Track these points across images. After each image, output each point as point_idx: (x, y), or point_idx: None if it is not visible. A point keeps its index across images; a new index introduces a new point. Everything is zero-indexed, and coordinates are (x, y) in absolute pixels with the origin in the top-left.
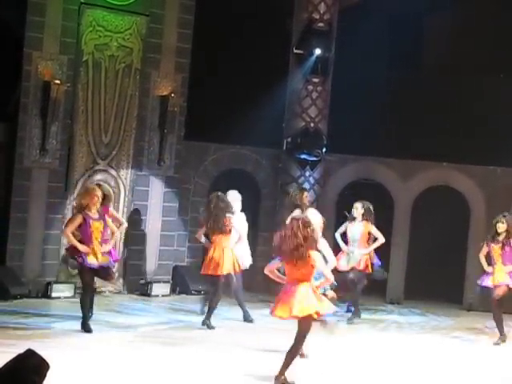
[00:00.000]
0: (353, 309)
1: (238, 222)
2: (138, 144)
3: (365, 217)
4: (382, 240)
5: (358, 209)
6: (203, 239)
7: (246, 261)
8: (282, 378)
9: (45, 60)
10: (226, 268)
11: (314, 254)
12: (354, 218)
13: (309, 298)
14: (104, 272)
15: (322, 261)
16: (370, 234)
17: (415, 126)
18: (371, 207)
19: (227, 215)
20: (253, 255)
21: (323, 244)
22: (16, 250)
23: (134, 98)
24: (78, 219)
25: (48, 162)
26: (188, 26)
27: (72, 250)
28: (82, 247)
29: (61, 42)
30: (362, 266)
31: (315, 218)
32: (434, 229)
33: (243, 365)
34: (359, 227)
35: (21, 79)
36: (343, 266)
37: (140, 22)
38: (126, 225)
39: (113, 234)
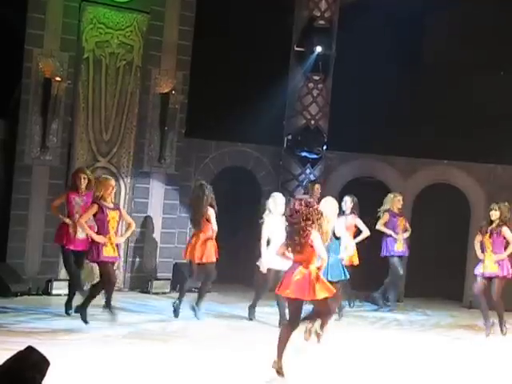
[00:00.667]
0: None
1: (274, 225)
2: (138, 141)
3: (353, 210)
4: (366, 233)
5: (347, 202)
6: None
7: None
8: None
9: (45, 57)
10: (197, 256)
11: (313, 233)
12: (342, 212)
13: (301, 281)
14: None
15: (321, 243)
16: (356, 227)
17: (416, 123)
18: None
19: (207, 206)
20: (254, 253)
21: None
22: (16, 248)
23: (135, 95)
24: (94, 208)
25: (48, 159)
26: (189, 23)
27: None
28: (98, 238)
29: (61, 39)
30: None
31: (328, 205)
32: (434, 226)
33: (244, 362)
34: (348, 220)
35: (21, 76)
36: None
37: (141, 19)
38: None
39: (129, 225)
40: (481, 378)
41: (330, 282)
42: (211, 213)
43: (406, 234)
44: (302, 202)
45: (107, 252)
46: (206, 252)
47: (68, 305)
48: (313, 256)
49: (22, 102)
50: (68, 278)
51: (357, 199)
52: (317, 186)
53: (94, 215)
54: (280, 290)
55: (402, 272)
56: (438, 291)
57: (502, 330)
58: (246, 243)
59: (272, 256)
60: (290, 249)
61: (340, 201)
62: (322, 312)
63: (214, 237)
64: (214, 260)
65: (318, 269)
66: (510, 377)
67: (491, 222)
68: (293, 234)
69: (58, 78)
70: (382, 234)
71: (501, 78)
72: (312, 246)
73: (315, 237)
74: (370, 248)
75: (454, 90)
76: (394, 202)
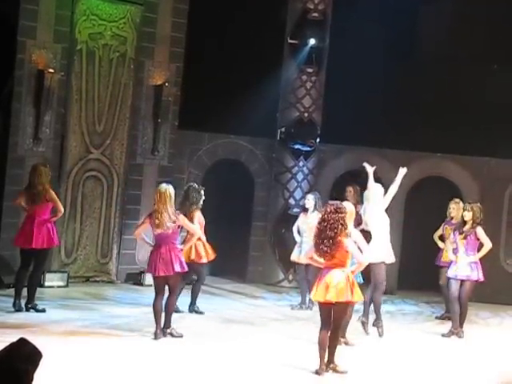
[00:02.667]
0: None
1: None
2: (131, 133)
3: (316, 207)
4: None
5: (309, 200)
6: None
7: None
8: (331, 365)
9: (38, 49)
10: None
11: (346, 239)
12: (306, 210)
13: (341, 284)
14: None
15: (355, 246)
16: None
17: (409, 116)
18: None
19: (193, 207)
20: (246, 246)
21: (357, 234)
22: (9, 239)
23: (128, 87)
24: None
25: (41, 150)
26: (182, 15)
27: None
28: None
29: (55, 30)
30: None
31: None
32: (427, 219)
33: (238, 354)
34: (312, 219)
35: (14, 68)
36: (294, 257)
37: (134, 10)
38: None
39: (191, 236)
40: (474, 370)
41: None
42: (194, 215)
43: None
44: (332, 209)
45: None
46: (192, 252)
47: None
48: (347, 260)
49: (14, 94)
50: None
51: (319, 196)
52: (349, 189)
53: None
54: (317, 295)
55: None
56: (431, 284)
57: (461, 326)
58: (239, 236)
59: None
60: (319, 254)
61: (337, 195)
62: (341, 316)
63: (196, 237)
64: (203, 261)
65: (352, 272)
66: (502, 367)
67: (464, 222)
68: (323, 241)
69: (50, 70)
70: None
71: (494, 71)
72: (347, 251)
73: (349, 242)
74: None
75: (448, 82)
76: None
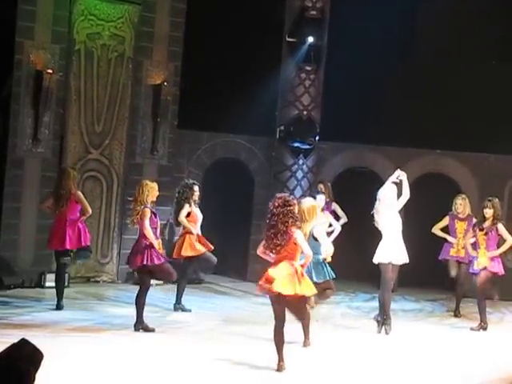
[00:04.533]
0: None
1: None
2: (130, 133)
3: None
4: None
5: (322, 200)
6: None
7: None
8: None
9: (37, 49)
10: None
11: (296, 232)
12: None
13: (289, 277)
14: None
15: (303, 239)
16: None
17: (408, 113)
18: None
19: (183, 203)
20: (246, 244)
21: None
22: (9, 240)
23: (127, 86)
24: (148, 213)
25: (40, 151)
26: (180, 14)
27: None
28: (157, 243)
29: (53, 31)
30: None
31: (306, 205)
32: (426, 216)
33: (239, 352)
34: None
35: (12, 68)
36: None
37: (132, 10)
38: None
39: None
40: (474, 366)
41: (316, 283)
42: (184, 210)
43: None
44: (280, 202)
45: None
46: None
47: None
48: (296, 252)
49: (13, 95)
50: None
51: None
52: (320, 186)
53: None
54: (262, 288)
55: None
56: (431, 280)
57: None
58: (239, 234)
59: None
60: (271, 248)
61: (337, 193)
62: (300, 311)
63: (185, 232)
64: (188, 254)
65: (302, 266)
66: (501, 363)
67: (484, 219)
68: (272, 236)
69: (49, 70)
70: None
71: (493, 68)
72: (296, 244)
73: (298, 234)
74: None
75: (447, 79)
76: None
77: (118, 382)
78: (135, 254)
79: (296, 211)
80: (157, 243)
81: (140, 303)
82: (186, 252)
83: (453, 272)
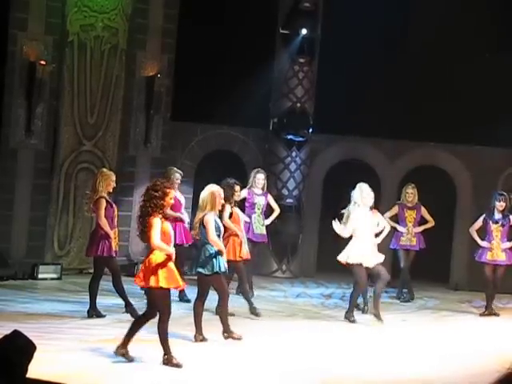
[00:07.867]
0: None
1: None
2: (124, 125)
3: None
4: (277, 211)
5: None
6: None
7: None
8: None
9: (30, 40)
10: None
11: (153, 220)
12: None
13: (152, 269)
14: None
15: (157, 228)
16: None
17: (402, 105)
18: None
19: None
20: None
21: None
22: (2, 231)
23: (120, 78)
24: (103, 202)
25: (34, 142)
26: (174, 6)
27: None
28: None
29: (46, 22)
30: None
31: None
32: None
33: (234, 345)
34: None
35: (6, 60)
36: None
37: (126, 2)
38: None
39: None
40: (467, 358)
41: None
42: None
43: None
44: (148, 187)
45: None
46: None
47: None
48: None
49: (6, 86)
50: None
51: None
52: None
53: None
54: (138, 281)
55: (402, 265)
56: (425, 273)
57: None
58: None
59: (361, 252)
60: (139, 236)
61: (330, 185)
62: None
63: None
64: None
65: (169, 256)
66: (495, 356)
67: (497, 211)
68: (140, 221)
69: (42, 62)
70: None
71: (487, 60)
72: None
73: (155, 222)
74: None
75: (441, 72)
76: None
77: (112, 372)
78: (91, 243)
79: (161, 199)
80: (111, 233)
81: (93, 289)
82: (229, 256)
83: (403, 262)
